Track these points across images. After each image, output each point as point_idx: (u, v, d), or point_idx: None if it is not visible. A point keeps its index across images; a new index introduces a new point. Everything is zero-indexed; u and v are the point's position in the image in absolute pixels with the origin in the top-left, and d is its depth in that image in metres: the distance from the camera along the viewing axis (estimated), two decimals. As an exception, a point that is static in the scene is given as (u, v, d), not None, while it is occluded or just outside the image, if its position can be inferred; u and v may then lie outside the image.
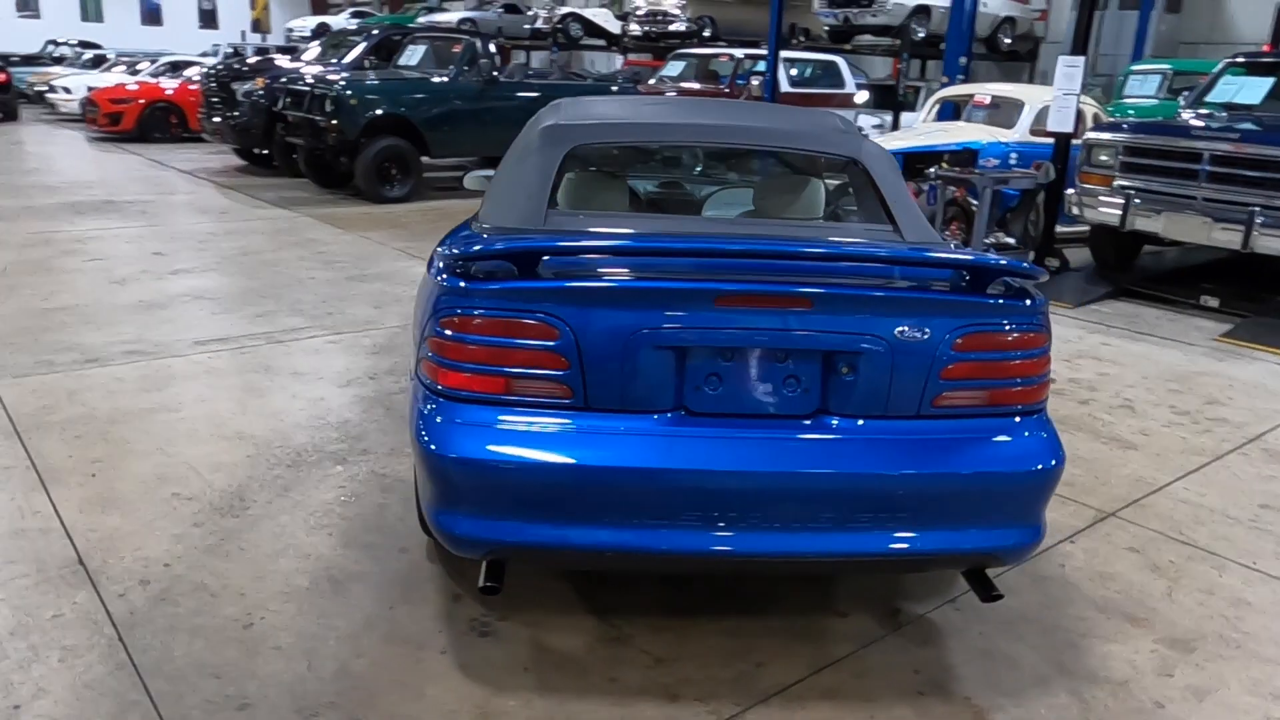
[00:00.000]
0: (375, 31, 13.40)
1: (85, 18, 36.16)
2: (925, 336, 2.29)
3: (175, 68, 18.50)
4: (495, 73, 10.95)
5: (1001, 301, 2.34)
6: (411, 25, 26.29)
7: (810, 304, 2.25)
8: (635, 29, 20.05)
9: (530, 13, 23.75)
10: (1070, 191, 7.67)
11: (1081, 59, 7.59)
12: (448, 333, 2.29)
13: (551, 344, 2.24)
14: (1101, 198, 7.34)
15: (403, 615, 2.77)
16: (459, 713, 2.38)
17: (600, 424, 2.27)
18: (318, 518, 3.32)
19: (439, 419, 2.30)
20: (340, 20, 30.31)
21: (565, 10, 23.16)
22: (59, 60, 25.33)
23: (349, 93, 9.86)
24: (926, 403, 2.34)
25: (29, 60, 26.78)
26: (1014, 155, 8.84)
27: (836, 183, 3.34)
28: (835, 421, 2.34)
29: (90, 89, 16.99)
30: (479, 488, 2.26)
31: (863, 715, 2.43)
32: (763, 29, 17.97)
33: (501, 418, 2.28)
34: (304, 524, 3.28)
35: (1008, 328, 2.35)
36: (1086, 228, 7.99)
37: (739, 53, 14.31)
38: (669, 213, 3.20)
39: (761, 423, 2.33)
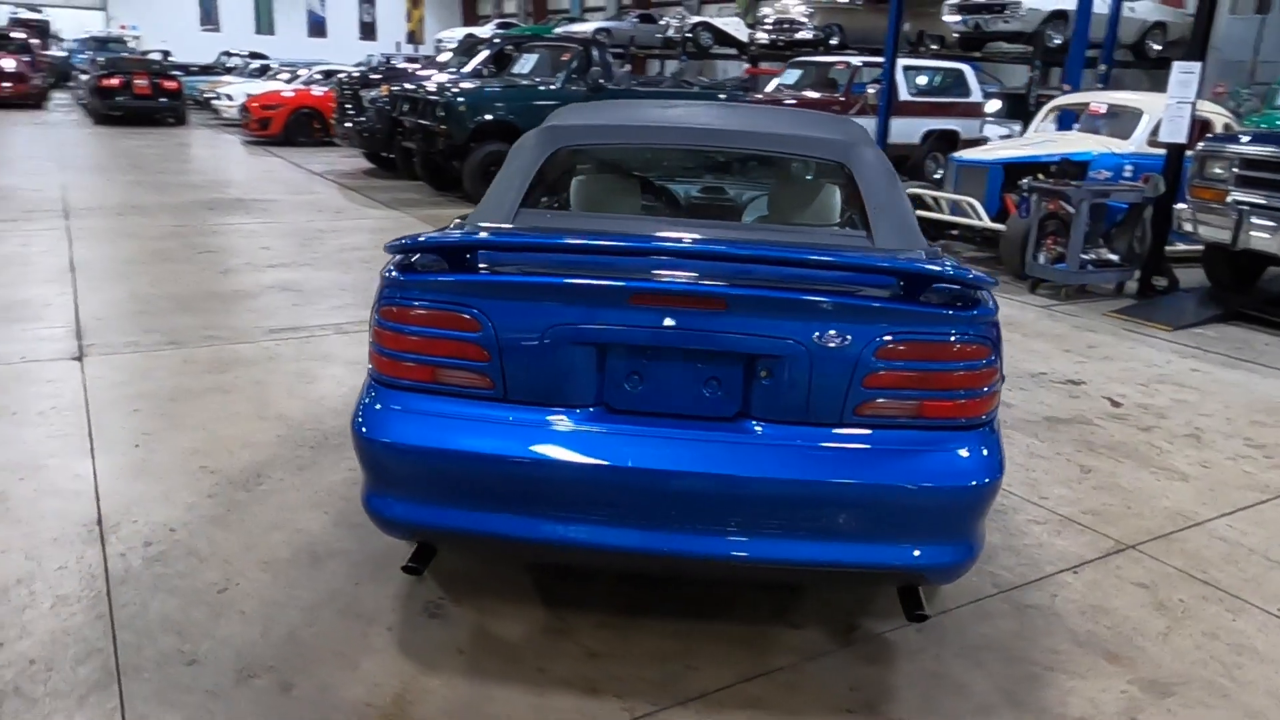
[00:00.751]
0: (496, 40, 13.88)
1: (259, 30, 38.99)
2: (846, 343, 2.24)
3: (327, 76, 19.72)
4: (602, 80, 11.15)
5: (931, 310, 2.25)
6: (544, 35, 27.10)
7: (725, 305, 2.24)
8: (762, 37, 19.96)
9: (662, 22, 24.01)
10: (1180, 207, 7.18)
11: (1197, 65, 7.10)
12: (386, 322, 2.40)
13: (473, 336, 2.31)
14: (1213, 214, 6.84)
15: (365, 592, 2.91)
16: (383, 687, 2.48)
17: (518, 416, 2.33)
18: (320, 497, 3.51)
19: (374, 405, 2.41)
20: (486, 31, 31.55)
21: (696, 20, 23.31)
22: (230, 70, 27.40)
23: (459, 99, 10.29)
24: (849, 411, 2.28)
25: (205, 70, 29.11)
26: (1128, 167, 8.33)
27: (826, 187, 3.28)
28: (756, 425, 2.32)
29: (248, 96, 18.32)
30: (403, 472, 2.36)
31: (778, 726, 2.39)
32: (873, 35, 17.55)
33: (426, 406, 2.37)
34: (306, 502, 3.47)
35: (940, 337, 2.26)
36: (1201, 246, 7.46)
37: (857, 60, 14.04)
38: (644, 214, 3.23)
39: (681, 423, 2.33)
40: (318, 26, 39.63)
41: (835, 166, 3.06)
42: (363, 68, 19.89)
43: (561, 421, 2.33)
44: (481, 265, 2.41)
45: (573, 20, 30.02)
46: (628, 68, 19.45)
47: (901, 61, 13.75)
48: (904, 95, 13.78)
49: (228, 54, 30.03)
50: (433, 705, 2.42)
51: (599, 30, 25.27)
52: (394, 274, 2.39)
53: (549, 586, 2.97)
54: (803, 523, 2.24)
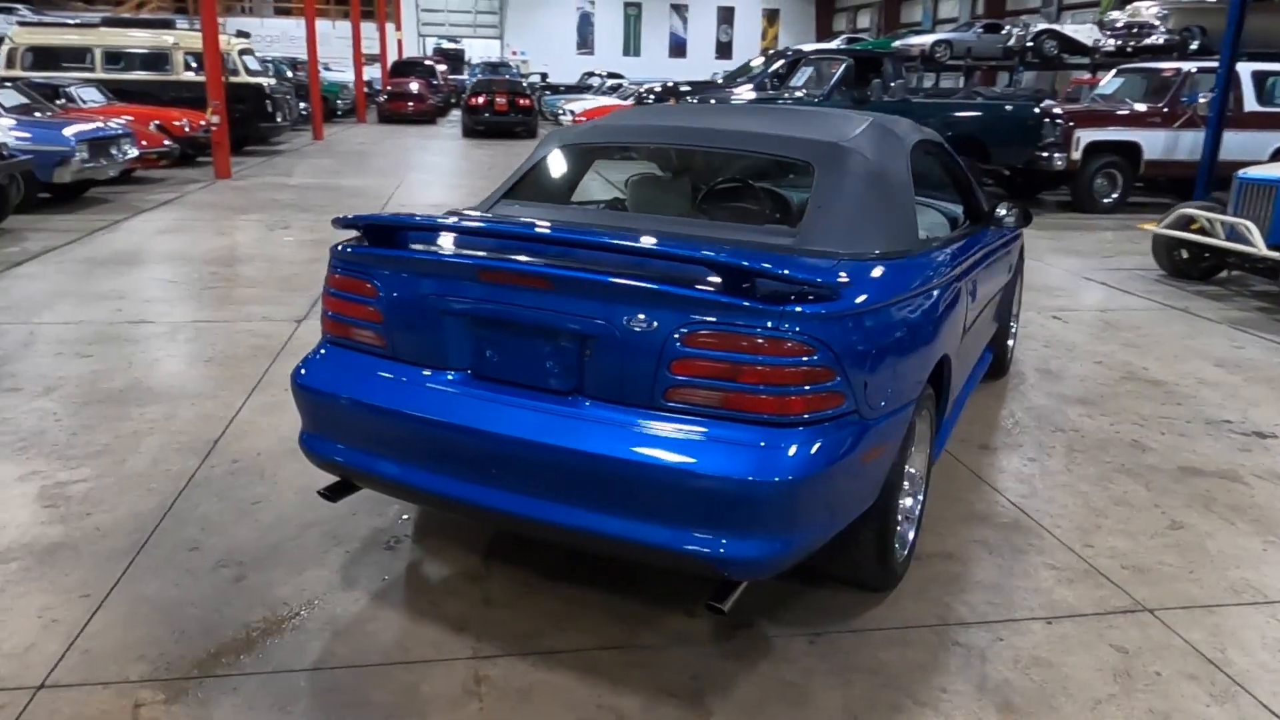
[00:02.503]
0: (789, 53, 14.09)
1: (625, 53, 42.30)
2: (653, 328, 2.31)
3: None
4: (869, 93, 10.98)
5: (737, 302, 2.24)
6: (885, 50, 26.66)
7: (551, 285, 2.41)
8: (1109, 43, 18.10)
9: (1004, 31, 22.61)
10: None
11: None
12: (326, 286, 2.86)
13: (371, 300, 2.69)
14: None
15: (357, 521, 3.40)
16: (306, 592, 2.94)
17: (399, 373, 2.67)
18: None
19: (310, 356, 2.88)
20: (835, 44, 31.69)
21: (1040, 27, 21.64)
22: (588, 88, 30.20)
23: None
24: (659, 395, 2.34)
25: (571, 88, 32.30)
26: None
27: (788, 185, 3.23)
28: (587, 402, 2.45)
29: (583, 110, 20.22)
30: (315, 413, 2.80)
31: (593, 694, 2.50)
32: (1273, 37, 15.13)
33: (340, 358, 2.79)
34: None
35: (746, 329, 2.24)
36: None
37: (1190, 66, 12.34)
38: (600, 207, 3.41)
39: (527, 394, 2.53)
40: (679, 47, 42.18)
41: (804, 165, 3.04)
42: (690, 83, 21.06)
43: (432, 381, 2.63)
44: (415, 244, 2.77)
45: (918, 33, 29.22)
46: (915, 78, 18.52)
47: (1248, 66, 11.91)
48: (1251, 105, 11.93)
49: (590, 74, 33.06)
50: (330, 611, 2.83)
51: (938, 42, 24.48)
52: (336, 246, 2.84)
53: (504, 542, 3.26)
54: (611, 499, 2.34)
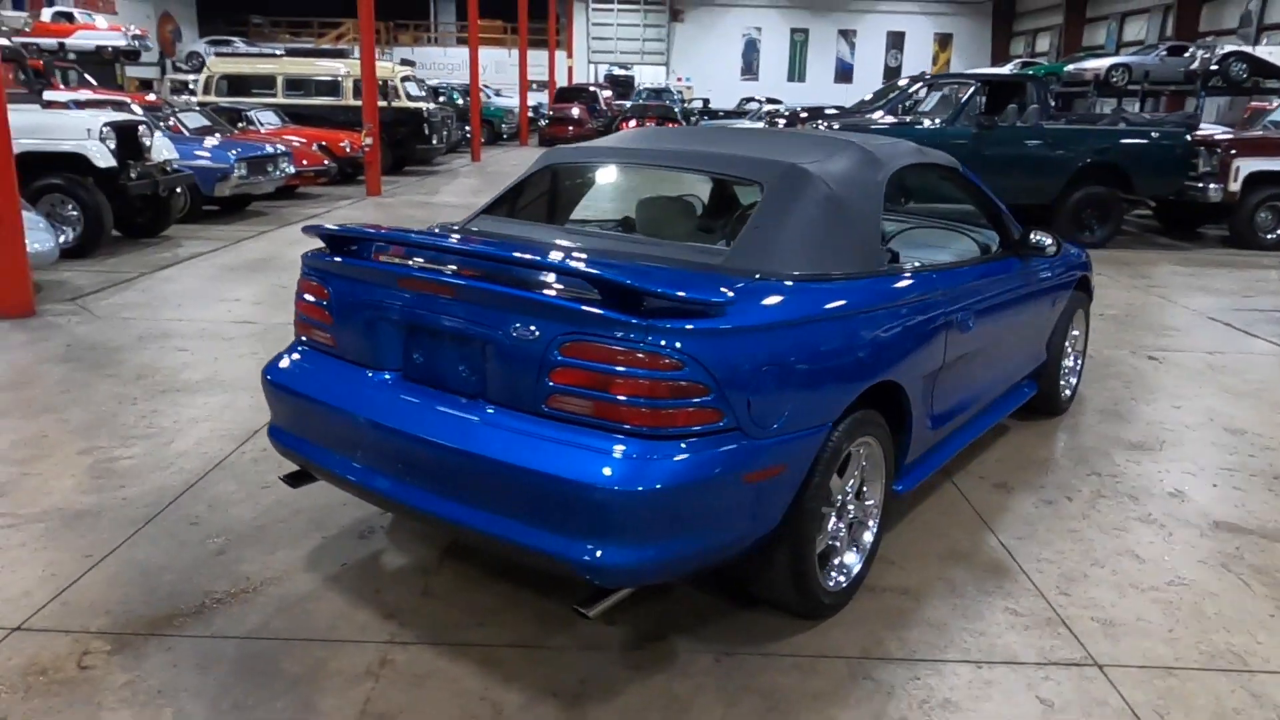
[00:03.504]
0: (925, 77, 13.71)
1: (790, 78, 42.15)
2: (536, 337, 2.40)
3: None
4: (998, 118, 10.57)
5: (607, 314, 2.30)
6: (1056, 74, 25.43)
7: (451, 292, 2.55)
8: (1301, 66, 16.56)
9: (1187, 54, 21.07)
10: None
11: None
12: (297, 289, 3.12)
13: (323, 303, 2.92)
14: None
15: (342, 511, 3.64)
16: (271, 569, 3.19)
17: (343, 370, 2.88)
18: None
19: (282, 354, 3.14)
20: (1008, 69, 30.49)
21: (1228, 49, 20.03)
22: (744, 114, 30.32)
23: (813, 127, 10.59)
24: (540, 402, 2.43)
25: (729, 114, 32.54)
26: None
27: (738, 205, 3.23)
28: (488, 406, 2.57)
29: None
30: (276, 405, 3.05)
31: (482, 686, 2.60)
32: None
33: (299, 355, 3.03)
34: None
35: (610, 341, 2.30)
36: None
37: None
38: (554, 223, 3.53)
39: (442, 395, 2.67)
40: (845, 73, 41.65)
41: (756, 186, 3.05)
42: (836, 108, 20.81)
43: (367, 380, 2.82)
44: (379, 255, 2.99)
45: (1097, 56, 27.64)
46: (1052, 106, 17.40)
47: None
48: None
49: (748, 99, 33.21)
50: (283, 588, 3.07)
51: (1114, 66, 23.16)
52: (304, 253, 3.10)
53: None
54: (495, 499, 2.45)
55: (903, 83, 15.95)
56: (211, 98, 16.86)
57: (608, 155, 3.52)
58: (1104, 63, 23.46)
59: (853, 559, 3.06)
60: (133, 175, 8.97)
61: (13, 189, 6.39)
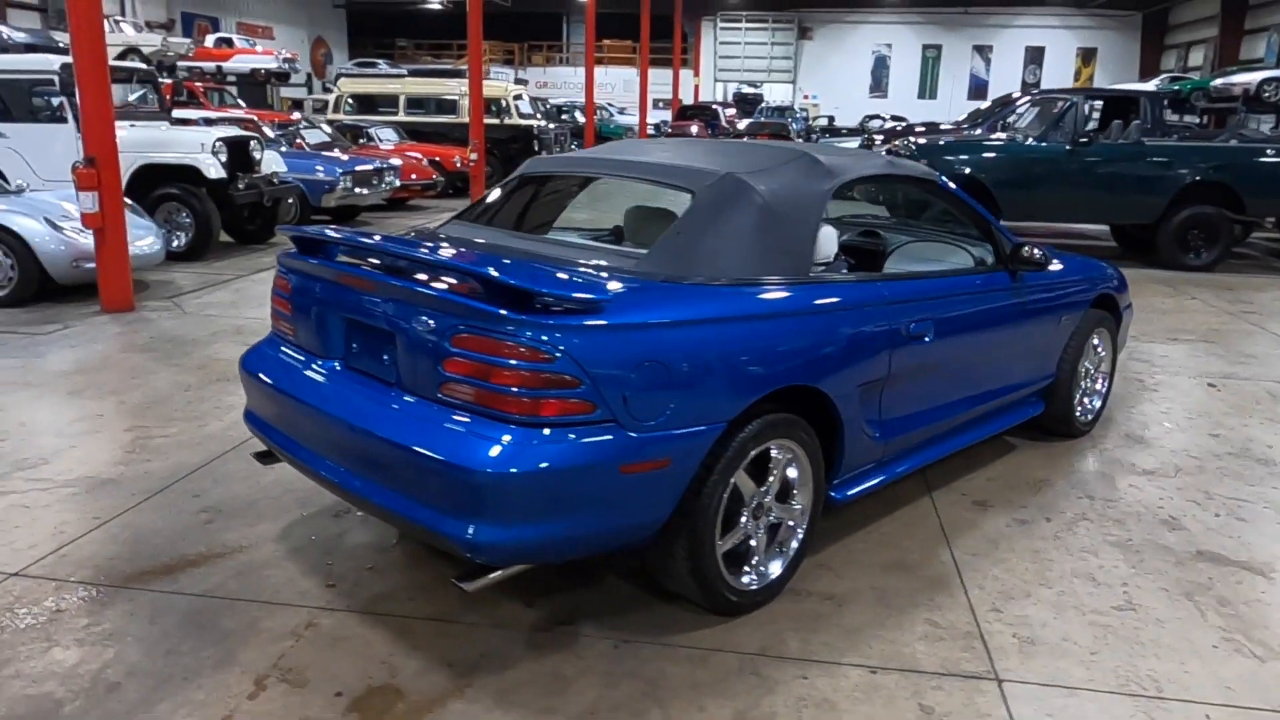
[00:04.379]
0: (1034, 93, 13.27)
1: (920, 96, 41.23)
2: (432, 328, 2.60)
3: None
4: (1112, 134, 10.19)
5: (482, 307, 2.47)
6: (1203, 89, 24.05)
7: (374, 288, 2.77)
8: None
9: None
10: None
11: None
12: (273, 284, 3.42)
13: (287, 296, 3.21)
14: None
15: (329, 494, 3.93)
16: (246, 538, 3.50)
17: (294, 357, 3.16)
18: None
19: (256, 344, 3.45)
20: (1152, 85, 29.01)
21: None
22: (862, 131, 29.93)
23: (916, 153, 10.40)
24: (436, 389, 2.62)
25: (851, 131, 32.16)
26: None
27: (670, 212, 3.34)
28: (404, 394, 2.78)
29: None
30: (248, 390, 3.35)
31: (387, 652, 2.80)
32: None
33: (268, 345, 3.34)
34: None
35: (484, 332, 2.48)
36: None
37: None
38: (507, 229, 3.70)
39: (369, 383, 2.90)
40: (979, 89, 40.33)
41: (688, 193, 3.17)
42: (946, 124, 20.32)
43: (313, 368, 3.09)
44: (321, 253, 3.23)
45: (1249, 70, 25.87)
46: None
47: None
48: None
49: (871, 117, 32.72)
50: (249, 556, 3.37)
51: (1266, 80, 21.70)
52: (280, 252, 3.40)
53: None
54: (396, 478, 2.65)
55: (1016, 95, 15.46)
56: (339, 116, 18.00)
57: (576, 165, 3.70)
58: (1255, 76, 22.02)
59: (772, 560, 3.11)
60: (240, 186, 9.74)
61: (118, 201, 7.10)
